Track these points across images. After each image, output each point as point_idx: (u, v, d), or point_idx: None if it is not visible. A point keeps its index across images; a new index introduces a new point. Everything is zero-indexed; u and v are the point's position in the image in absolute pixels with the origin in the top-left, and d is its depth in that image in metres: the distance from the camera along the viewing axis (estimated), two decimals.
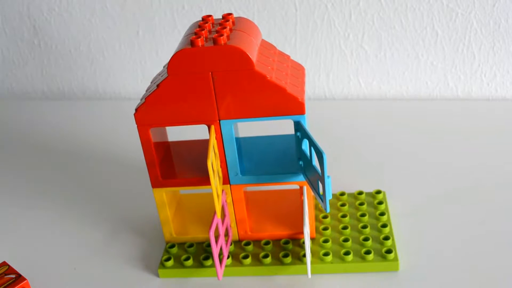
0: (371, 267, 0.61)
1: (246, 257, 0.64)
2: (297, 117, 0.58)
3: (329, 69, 1.02)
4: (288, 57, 0.64)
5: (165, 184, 0.63)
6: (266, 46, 0.62)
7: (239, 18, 0.62)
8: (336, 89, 1.04)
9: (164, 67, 0.62)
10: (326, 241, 0.64)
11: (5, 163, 0.92)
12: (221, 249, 0.61)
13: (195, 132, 0.73)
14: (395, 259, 0.61)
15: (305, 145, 0.59)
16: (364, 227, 0.66)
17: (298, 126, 0.58)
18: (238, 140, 0.66)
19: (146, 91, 0.61)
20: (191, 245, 0.66)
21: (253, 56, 0.56)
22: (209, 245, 0.66)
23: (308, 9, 0.98)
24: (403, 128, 0.90)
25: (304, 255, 0.63)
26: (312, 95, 1.05)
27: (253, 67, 0.55)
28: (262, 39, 0.63)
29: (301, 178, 0.61)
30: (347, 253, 0.62)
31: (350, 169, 0.80)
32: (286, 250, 0.64)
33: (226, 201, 0.63)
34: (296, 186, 0.68)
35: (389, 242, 0.63)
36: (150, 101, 0.58)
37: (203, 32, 0.57)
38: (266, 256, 0.63)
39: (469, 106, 0.96)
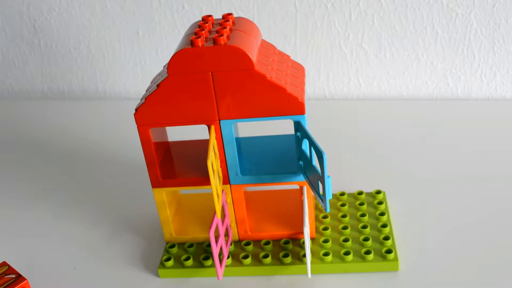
0: (371, 267, 0.61)
1: (246, 257, 0.64)
2: (297, 117, 0.58)
3: (329, 69, 1.02)
4: (288, 57, 0.64)
5: (165, 184, 0.63)
6: (266, 46, 0.62)
7: (239, 18, 0.62)
8: (336, 89, 1.04)
9: (164, 67, 0.62)
10: (326, 241, 0.64)
11: (5, 163, 0.92)
12: (221, 249, 0.61)
13: (195, 132, 0.73)
14: (395, 259, 0.61)
15: (305, 145, 0.59)
16: (364, 227, 0.66)
17: (298, 126, 0.58)
18: (238, 140, 0.66)
19: (146, 91, 0.61)
20: (191, 245, 0.66)
21: (253, 56, 0.56)
22: (209, 245, 0.66)
23: (308, 9, 0.98)
24: (403, 128, 0.90)
25: (304, 255, 0.63)
26: (312, 95, 1.05)
27: (253, 67, 0.55)
28: (262, 39, 0.63)
29: (301, 178, 0.61)
30: (347, 253, 0.62)
31: (350, 169, 0.80)
32: (286, 250, 0.64)
33: (226, 201, 0.63)
34: (296, 186, 0.68)
35: (389, 242, 0.63)
36: (150, 101, 0.58)
37: (203, 32, 0.57)
38: (266, 256, 0.63)
39: (469, 106, 0.96)
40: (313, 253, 0.63)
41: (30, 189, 0.84)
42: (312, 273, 0.62)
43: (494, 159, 0.79)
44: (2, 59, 1.15)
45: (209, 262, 0.64)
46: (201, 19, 0.68)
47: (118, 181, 0.83)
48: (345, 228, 0.66)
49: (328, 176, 0.55)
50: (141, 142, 0.61)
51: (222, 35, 0.55)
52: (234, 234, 0.66)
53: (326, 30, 0.99)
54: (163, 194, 0.64)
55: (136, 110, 0.59)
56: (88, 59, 1.11)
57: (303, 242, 0.65)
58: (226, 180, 0.62)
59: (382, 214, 0.67)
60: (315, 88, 1.04)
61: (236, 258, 0.64)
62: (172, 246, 0.66)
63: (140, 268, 0.66)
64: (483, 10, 0.92)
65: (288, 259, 0.63)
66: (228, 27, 0.58)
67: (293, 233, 0.66)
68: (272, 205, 0.71)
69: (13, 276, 0.60)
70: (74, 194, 0.81)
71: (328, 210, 0.57)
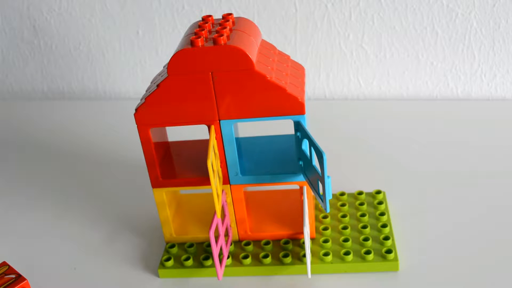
0: (371, 267, 0.61)
1: (246, 257, 0.64)
2: (297, 117, 0.58)
3: (329, 69, 1.02)
4: (288, 57, 0.64)
5: (165, 184, 0.63)
6: (266, 46, 0.62)
7: (239, 18, 0.62)
8: (336, 89, 1.04)
9: (164, 67, 0.62)
10: (326, 241, 0.64)
11: (5, 163, 0.92)
12: (221, 249, 0.61)
13: (195, 132, 0.73)
14: (395, 259, 0.61)
15: (305, 145, 0.59)
16: (364, 227, 0.66)
17: (298, 126, 0.58)
18: (238, 140, 0.66)
19: (146, 91, 0.61)
20: (191, 245, 0.66)
21: (253, 56, 0.56)
22: (209, 245, 0.66)
23: (308, 9, 0.98)
24: (403, 128, 0.90)
25: (304, 255, 0.63)
26: (312, 95, 1.05)
27: (253, 67, 0.55)
28: (262, 39, 0.63)
29: (301, 178, 0.61)
30: (347, 253, 0.62)
31: (350, 169, 0.80)
32: (286, 250, 0.64)
33: (226, 201, 0.63)
34: (296, 186, 0.68)
35: (389, 242, 0.63)
36: (150, 101, 0.58)
37: (203, 32, 0.57)
38: (266, 256, 0.63)
39: (469, 106, 0.96)
40: (313, 253, 0.63)
41: (30, 189, 0.84)
42: (312, 273, 0.62)
43: (494, 159, 0.79)
44: (2, 59, 1.15)
45: (209, 262, 0.64)
46: (201, 19, 0.68)
47: (118, 181, 0.83)
48: (345, 228, 0.66)
49: (328, 176, 0.55)
50: (141, 142, 0.61)
51: (222, 35, 0.55)
52: (234, 234, 0.66)
53: (326, 30, 0.99)
54: (163, 194, 0.64)
55: (136, 110, 0.59)
56: (88, 59, 1.11)
57: (303, 242, 0.65)
58: (226, 180, 0.62)
59: (382, 214, 0.67)
60: (315, 88, 1.04)
61: (236, 258, 0.64)
62: (172, 246, 0.66)
63: (140, 268, 0.66)
64: (483, 10, 0.92)
65: (288, 259, 0.63)
66: (228, 27, 0.58)
67: (293, 233, 0.66)
68: (272, 205, 0.71)
69: (13, 276, 0.60)
70: (74, 194, 0.81)
71: (328, 210, 0.57)
